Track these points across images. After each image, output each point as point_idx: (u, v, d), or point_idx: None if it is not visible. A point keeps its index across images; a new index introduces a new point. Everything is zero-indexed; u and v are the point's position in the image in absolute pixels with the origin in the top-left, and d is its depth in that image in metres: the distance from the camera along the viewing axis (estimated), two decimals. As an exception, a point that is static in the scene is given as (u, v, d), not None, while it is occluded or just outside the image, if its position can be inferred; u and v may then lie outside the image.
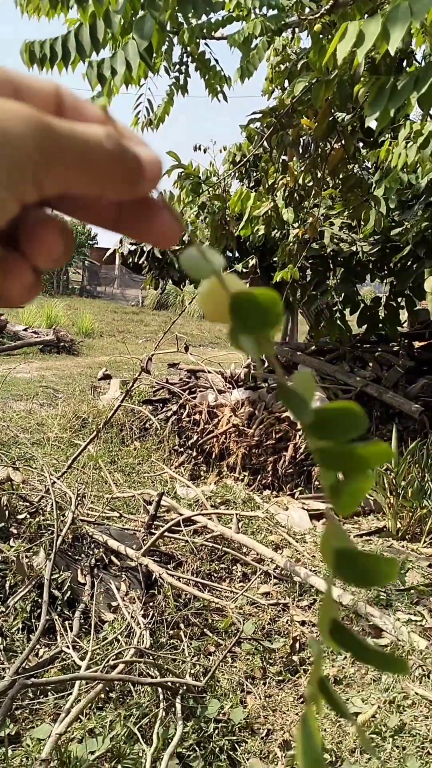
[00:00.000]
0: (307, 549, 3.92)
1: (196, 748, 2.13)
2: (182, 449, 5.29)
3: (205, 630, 2.83)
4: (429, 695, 2.42)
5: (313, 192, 4.01)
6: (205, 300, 0.35)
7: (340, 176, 4.01)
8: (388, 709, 2.38)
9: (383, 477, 3.98)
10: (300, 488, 5.48)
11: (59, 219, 0.34)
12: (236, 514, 3.65)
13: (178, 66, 4.25)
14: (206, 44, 4.24)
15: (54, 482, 3.50)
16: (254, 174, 5.77)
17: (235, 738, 2.22)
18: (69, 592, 2.85)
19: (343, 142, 3.91)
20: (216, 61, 4.34)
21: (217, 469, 5.32)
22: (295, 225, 3.80)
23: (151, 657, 2.26)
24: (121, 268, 30.81)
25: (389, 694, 2.46)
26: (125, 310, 21.07)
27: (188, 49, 4.05)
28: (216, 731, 2.21)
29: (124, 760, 2.04)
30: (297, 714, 2.39)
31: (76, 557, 3.13)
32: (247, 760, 2.15)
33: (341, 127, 3.86)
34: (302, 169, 4.11)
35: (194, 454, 5.11)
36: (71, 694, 2.13)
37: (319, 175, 3.98)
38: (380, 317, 4.63)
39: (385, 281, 4.52)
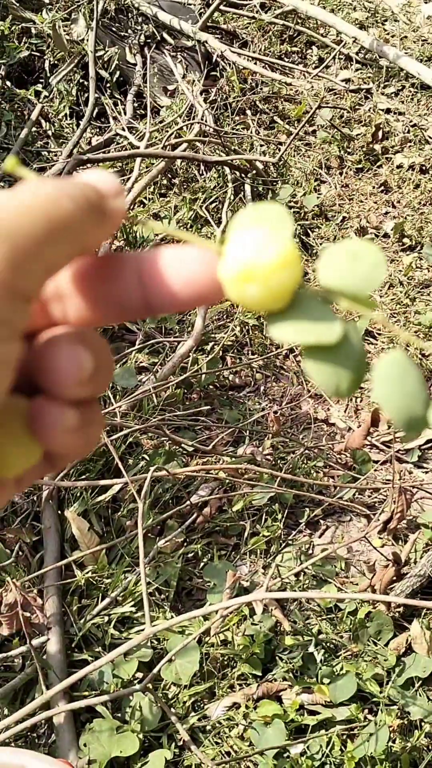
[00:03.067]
0: (399, 27, 3.43)
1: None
2: None
3: (275, 118, 2.64)
4: None
5: None
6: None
7: None
8: None
9: None
10: None
11: (70, 329, 0.27)
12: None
13: None
14: None
15: None
16: None
17: (308, 224, 2.23)
18: (118, 73, 2.62)
19: None
20: None
21: None
22: None
23: (216, 137, 2.13)
24: None
25: None
26: None
27: None
28: (288, 216, 2.21)
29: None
30: (375, 203, 2.36)
31: (122, 33, 2.80)
32: (320, 245, 2.19)
33: None
34: None
35: None
36: (131, 177, 2.09)
37: None
38: None
39: None
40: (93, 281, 0.28)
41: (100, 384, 0.27)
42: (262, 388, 1.79)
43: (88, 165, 2.00)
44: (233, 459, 1.55)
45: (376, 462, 1.62)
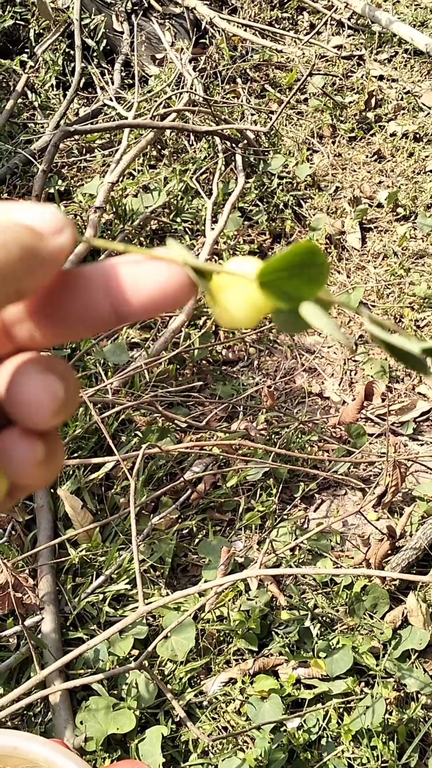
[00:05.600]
0: None
1: (259, 204, 2.12)
2: None
3: (266, 86, 2.59)
4: None
5: None
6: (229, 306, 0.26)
7: None
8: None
9: None
10: None
11: (39, 355, 0.26)
12: None
13: None
14: None
15: None
16: None
17: (300, 194, 2.20)
18: (105, 42, 2.56)
19: None
20: None
21: None
22: None
23: (206, 107, 2.09)
24: None
25: None
26: None
27: None
28: (280, 187, 2.17)
29: (182, 213, 2.06)
30: (369, 172, 2.32)
31: (109, 1, 2.73)
32: (314, 215, 2.16)
33: None
34: None
35: None
36: (119, 149, 2.04)
37: None
38: None
39: None
40: (59, 299, 0.27)
41: (69, 411, 0.26)
42: (255, 362, 1.78)
43: (75, 134, 1.96)
44: (227, 435, 1.54)
45: (371, 435, 1.61)
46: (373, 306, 1.89)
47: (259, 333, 1.80)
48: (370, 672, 1.26)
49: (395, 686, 1.24)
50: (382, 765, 1.15)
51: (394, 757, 1.16)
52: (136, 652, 1.25)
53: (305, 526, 1.48)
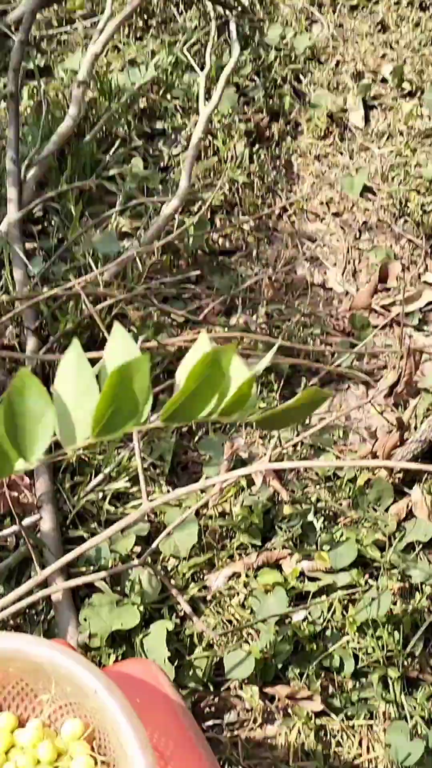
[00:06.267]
0: None
1: (255, 79, 1.97)
2: None
3: None
4: None
5: None
6: None
7: None
8: None
9: None
10: None
11: None
12: None
13: None
14: None
15: None
16: None
17: (299, 68, 2.04)
18: None
19: None
20: None
21: None
22: None
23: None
24: None
25: None
26: None
27: None
28: (277, 60, 2.01)
29: (173, 89, 1.91)
30: (372, 44, 2.15)
31: None
32: (313, 91, 2.01)
33: None
34: None
35: None
36: (102, 17, 1.86)
37: None
38: None
39: None
40: None
41: None
42: (254, 251, 1.69)
43: (54, 4, 1.78)
44: (226, 329, 1.47)
45: (374, 327, 1.55)
46: (378, 190, 1.78)
47: (257, 220, 1.70)
48: (375, 564, 1.25)
49: (400, 578, 1.23)
50: (387, 654, 1.16)
51: (399, 646, 1.16)
52: (138, 549, 1.23)
53: (307, 421, 1.44)
